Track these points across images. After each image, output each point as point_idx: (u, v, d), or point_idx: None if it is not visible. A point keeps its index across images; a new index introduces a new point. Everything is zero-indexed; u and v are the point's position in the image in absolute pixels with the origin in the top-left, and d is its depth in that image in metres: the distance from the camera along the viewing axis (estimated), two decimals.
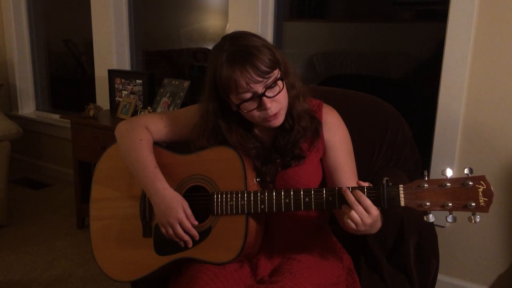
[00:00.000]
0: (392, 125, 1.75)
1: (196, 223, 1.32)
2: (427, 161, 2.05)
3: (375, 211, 1.14)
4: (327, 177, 1.39)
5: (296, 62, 2.66)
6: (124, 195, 1.45)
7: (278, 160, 1.33)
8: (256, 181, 1.32)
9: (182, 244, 1.33)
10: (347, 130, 1.41)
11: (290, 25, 2.68)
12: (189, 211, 1.31)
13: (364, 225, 1.14)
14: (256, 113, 1.24)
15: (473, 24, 1.87)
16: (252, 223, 1.27)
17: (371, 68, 2.53)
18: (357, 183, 1.17)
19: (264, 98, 1.21)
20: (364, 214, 1.13)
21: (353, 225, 1.15)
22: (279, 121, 1.27)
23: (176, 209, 1.30)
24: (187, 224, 1.30)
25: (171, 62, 3.40)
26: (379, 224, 1.21)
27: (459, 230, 2.06)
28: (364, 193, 1.14)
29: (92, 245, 1.48)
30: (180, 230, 1.30)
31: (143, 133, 1.42)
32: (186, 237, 1.31)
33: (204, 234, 1.31)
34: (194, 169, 1.35)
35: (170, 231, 1.31)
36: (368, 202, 1.13)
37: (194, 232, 1.31)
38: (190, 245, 1.32)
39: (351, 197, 1.14)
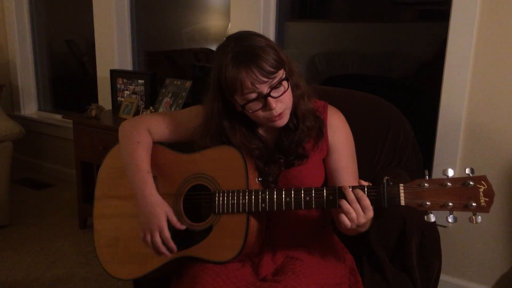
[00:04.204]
0: (394, 125, 1.74)
1: (183, 227, 1.32)
2: (429, 162, 2.05)
3: (371, 213, 1.14)
4: (328, 178, 1.39)
5: (298, 62, 2.65)
6: (127, 194, 1.45)
7: (282, 160, 1.33)
8: (258, 180, 1.32)
9: (159, 255, 1.33)
10: (351, 132, 1.41)
11: (292, 25, 2.68)
12: (174, 218, 1.31)
13: (358, 224, 1.15)
14: (261, 113, 1.24)
15: (475, 24, 1.87)
16: (253, 222, 1.27)
17: (373, 68, 2.53)
18: (358, 182, 1.17)
19: (269, 98, 1.21)
20: (361, 214, 1.14)
21: (347, 222, 1.15)
22: (283, 121, 1.27)
23: (159, 217, 1.30)
24: (167, 234, 1.30)
25: (173, 62, 3.40)
26: (368, 226, 1.23)
27: (462, 230, 2.06)
28: (365, 192, 1.14)
29: (95, 243, 1.48)
30: (158, 239, 1.30)
31: (142, 136, 1.42)
32: (163, 249, 1.31)
33: (205, 232, 1.31)
34: (196, 168, 1.36)
35: (148, 238, 1.31)
36: (367, 202, 1.13)
37: (172, 245, 1.30)
38: (168, 256, 1.32)
39: (351, 195, 1.14)
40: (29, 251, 2.63)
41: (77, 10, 3.59)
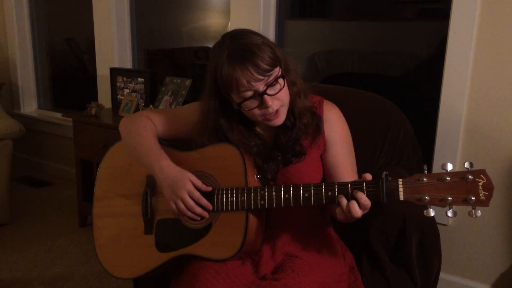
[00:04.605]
0: (394, 123, 1.74)
1: (210, 189, 1.30)
2: (429, 159, 2.05)
3: (368, 209, 1.16)
4: (326, 173, 1.39)
5: (297, 61, 2.64)
6: (127, 193, 1.45)
7: (279, 157, 1.33)
8: (257, 178, 1.32)
9: (198, 218, 1.30)
10: (347, 126, 1.41)
11: (292, 24, 2.68)
12: (198, 182, 1.29)
13: (353, 218, 1.17)
14: (257, 111, 1.24)
15: (475, 22, 1.87)
16: (253, 219, 1.27)
17: (373, 66, 2.53)
18: (363, 176, 1.16)
19: (265, 96, 1.21)
20: (359, 212, 1.15)
21: (343, 216, 1.18)
22: (280, 120, 1.27)
23: (183, 181, 1.28)
24: (197, 194, 1.28)
25: (173, 61, 3.40)
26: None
27: (462, 228, 2.06)
28: (364, 187, 1.14)
29: (95, 242, 1.48)
30: (191, 201, 1.27)
31: (147, 122, 1.43)
32: (198, 209, 1.28)
33: (204, 230, 1.31)
34: (195, 166, 1.35)
35: (181, 205, 1.28)
36: (368, 206, 1.14)
37: (205, 201, 1.28)
38: (207, 216, 1.30)
39: (355, 206, 1.14)
40: (29, 249, 2.63)
41: (77, 9, 3.59)
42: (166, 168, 1.31)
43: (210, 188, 1.30)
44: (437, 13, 2.29)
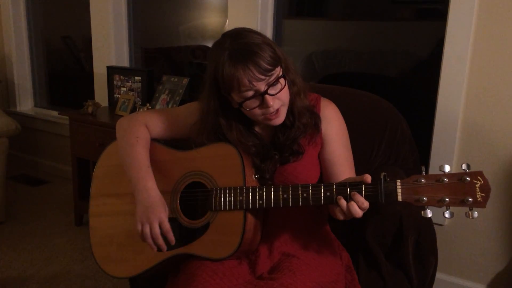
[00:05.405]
0: (391, 123, 1.74)
1: (172, 239, 1.30)
2: (426, 159, 2.06)
3: (366, 210, 1.16)
4: (323, 172, 1.39)
5: (295, 60, 2.66)
6: (124, 192, 1.44)
7: (277, 156, 1.33)
8: (255, 177, 1.32)
9: (155, 248, 1.30)
10: (344, 122, 1.41)
11: (289, 23, 2.67)
12: (167, 223, 1.30)
13: (354, 218, 1.17)
14: (258, 111, 1.24)
15: (472, 23, 1.87)
16: (250, 219, 1.27)
17: (370, 66, 2.53)
18: (365, 178, 1.15)
19: (266, 96, 1.21)
20: (358, 213, 1.14)
21: (342, 217, 1.18)
22: (280, 119, 1.27)
23: (160, 209, 1.29)
24: (167, 226, 1.28)
25: (170, 59, 3.39)
26: None
27: (458, 228, 2.06)
28: (362, 188, 1.14)
29: (91, 241, 1.48)
30: (157, 230, 1.28)
31: (140, 131, 1.42)
32: (161, 241, 1.29)
33: (202, 229, 1.31)
34: (193, 165, 1.35)
35: (147, 229, 1.29)
36: (366, 205, 1.14)
37: (171, 236, 1.29)
38: (164, 250, 1.31)
39: (355, 207, 1.14)
40: (25, 248, 2.63)
41: (74, 6, 3.57)
42: (150, 189, 1.32)
43: (172, 239, 1.30)
44: (434, 13, 2.30)
